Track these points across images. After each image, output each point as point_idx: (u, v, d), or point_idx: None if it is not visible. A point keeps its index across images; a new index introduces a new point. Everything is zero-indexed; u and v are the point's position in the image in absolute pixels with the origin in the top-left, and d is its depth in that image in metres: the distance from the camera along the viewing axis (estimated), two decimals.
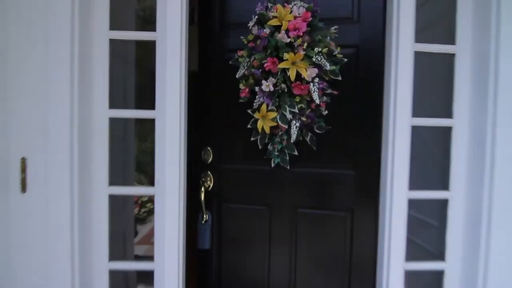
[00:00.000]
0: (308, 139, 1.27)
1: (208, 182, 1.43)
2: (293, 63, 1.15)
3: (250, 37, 1.21)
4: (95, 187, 1.12)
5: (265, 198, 1.38)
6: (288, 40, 1.12)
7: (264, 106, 1.23)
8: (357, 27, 1.25)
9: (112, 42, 1.11)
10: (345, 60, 1.20)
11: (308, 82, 1.16)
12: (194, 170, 1.42)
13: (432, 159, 1.36)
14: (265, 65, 1.16)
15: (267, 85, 1.17)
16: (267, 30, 1.14)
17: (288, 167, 1.29)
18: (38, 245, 1.03)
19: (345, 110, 1.27)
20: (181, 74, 1.10)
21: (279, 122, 1.21)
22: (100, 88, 1.12)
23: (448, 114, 1.16)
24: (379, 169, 1.22)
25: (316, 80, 1.16)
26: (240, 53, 1.24)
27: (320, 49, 1.12)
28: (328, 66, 1.13)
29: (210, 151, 1.44)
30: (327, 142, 1.29)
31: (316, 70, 1.15)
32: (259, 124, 1.26)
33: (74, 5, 1.02)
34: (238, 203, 1.42)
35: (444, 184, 1.19)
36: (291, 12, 1.13)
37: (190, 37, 1.16)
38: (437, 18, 1.31)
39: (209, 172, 1.44)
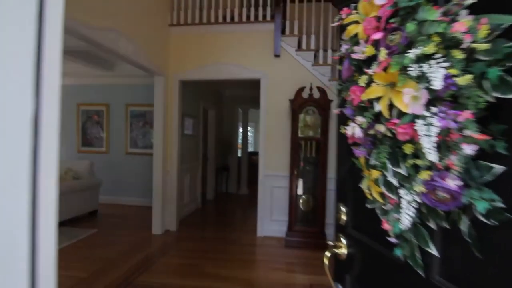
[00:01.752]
0: (465, 229, 0.60)
1: (341, 248, 1.09)
2: (392, 85, 0.64)
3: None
4: None
5: None
6: (365, 51, 0.65)
7: (362, 160, 0.78)
8: None
9: None
10: None
11: (418, 117, 0.58)
12: None
13: None
14: (347, 98, 0.75)
15: (353, 128, 0.74)
16: (344, 47, 0.73)
17: (423, 275, 0.68)
18: None
19: None
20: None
21: (383, 189, 0.70)
22: None
23: None
24: None
25: (433, 110, 0.55)
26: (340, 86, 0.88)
27: (421, 50, 0.53)
28: (438, 82, 0.50)
29: (343, 210, 1.09)
30: (504, 247, 0.53)
31: (425, 93, 0.55)
32: (364, 185, 0.80)
33: None
34: None
35: None
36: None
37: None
38: None
39: (340, 236, 1.09)
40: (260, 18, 4.10)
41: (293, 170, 3.80)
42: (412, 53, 0.55)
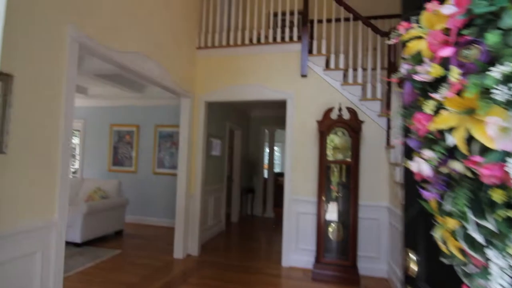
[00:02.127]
0: None
1: None
2: (470, 113, 0.50)
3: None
4: None
5: None
6: (431, 71, 0.52)
7: (433, 204, 0.63)
8: None
9: None
10: None
11: (511, 155, 0.44)
12: None
13: None
14: (411, 126, 0.61)
15: (419, 164, 0.60)
16: (405, 67, 0.61)
17: None
18: None
19: None
20: None
21: (463, 245, 0.55)
22: None
23: None
24: None
25: None
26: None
27: (511, 67, 0.40)
28: None
29: (413, 258, 0.91)
30: None
31: None
32: (437, 235, 0.64)
33: None
34: None
35: None
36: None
37: None
38: None
39: None
40: (287, 39, 4.08)
41: (321, 195, 3.59)
42: (497, 72, 0.42)
